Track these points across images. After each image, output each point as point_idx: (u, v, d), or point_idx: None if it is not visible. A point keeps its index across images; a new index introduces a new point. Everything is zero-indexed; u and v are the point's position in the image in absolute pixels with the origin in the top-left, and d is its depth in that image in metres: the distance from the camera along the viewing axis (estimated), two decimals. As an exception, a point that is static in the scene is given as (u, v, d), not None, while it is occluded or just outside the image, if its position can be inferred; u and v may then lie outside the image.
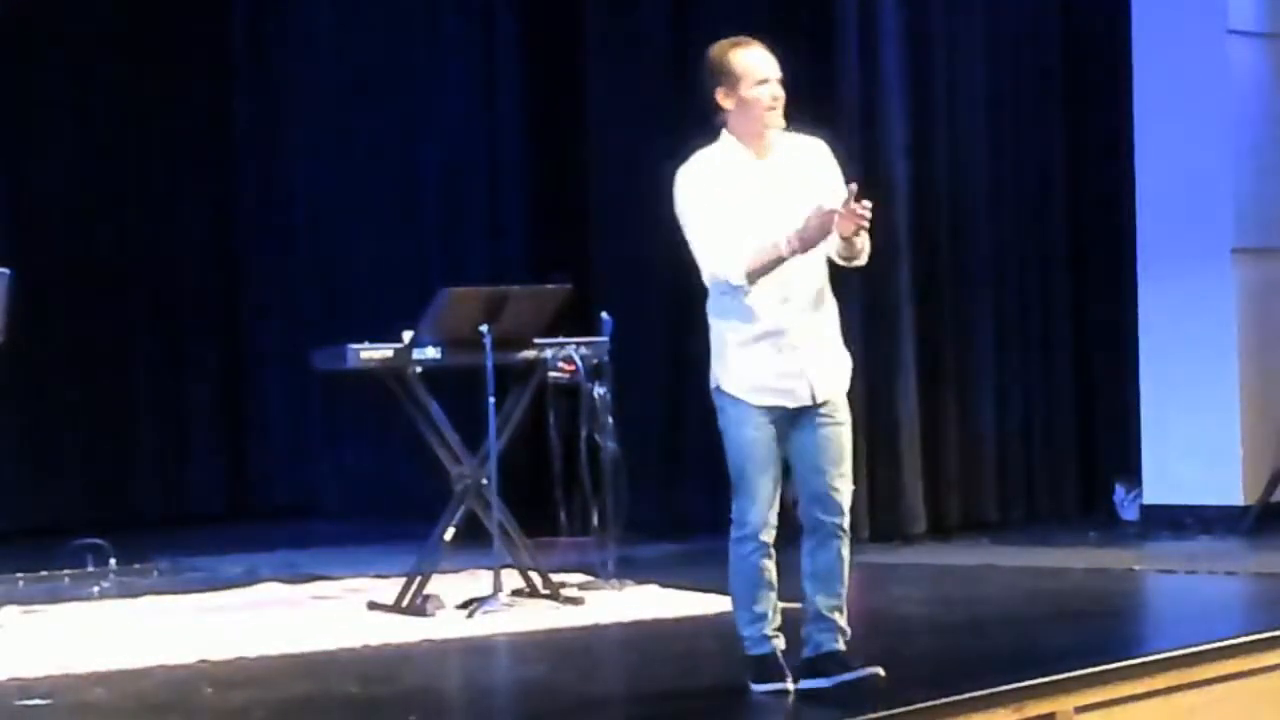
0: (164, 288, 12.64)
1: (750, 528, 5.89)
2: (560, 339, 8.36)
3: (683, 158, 5.98)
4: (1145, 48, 10.56)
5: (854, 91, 10.29)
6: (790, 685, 5.89)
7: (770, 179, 5.94)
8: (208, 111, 12.90)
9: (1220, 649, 6.61)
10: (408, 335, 8.06)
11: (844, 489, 5.97)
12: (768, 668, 5.93)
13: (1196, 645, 6.60)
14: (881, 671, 5.95)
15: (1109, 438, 11.17)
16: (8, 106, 11.79)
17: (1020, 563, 9.41)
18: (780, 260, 5.79)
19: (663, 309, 11.28)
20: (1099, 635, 7.25)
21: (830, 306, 6.02)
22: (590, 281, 10.62)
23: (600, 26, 11.64)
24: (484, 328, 7.94)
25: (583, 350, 8.38)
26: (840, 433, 5.95)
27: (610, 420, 8.54)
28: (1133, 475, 10.72)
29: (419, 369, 8.08)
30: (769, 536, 5.91)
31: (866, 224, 5.75)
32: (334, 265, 12.73)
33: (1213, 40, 10.42)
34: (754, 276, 5.81)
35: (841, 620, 6.00)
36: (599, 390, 8.50)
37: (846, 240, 5.81)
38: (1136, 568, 9.26)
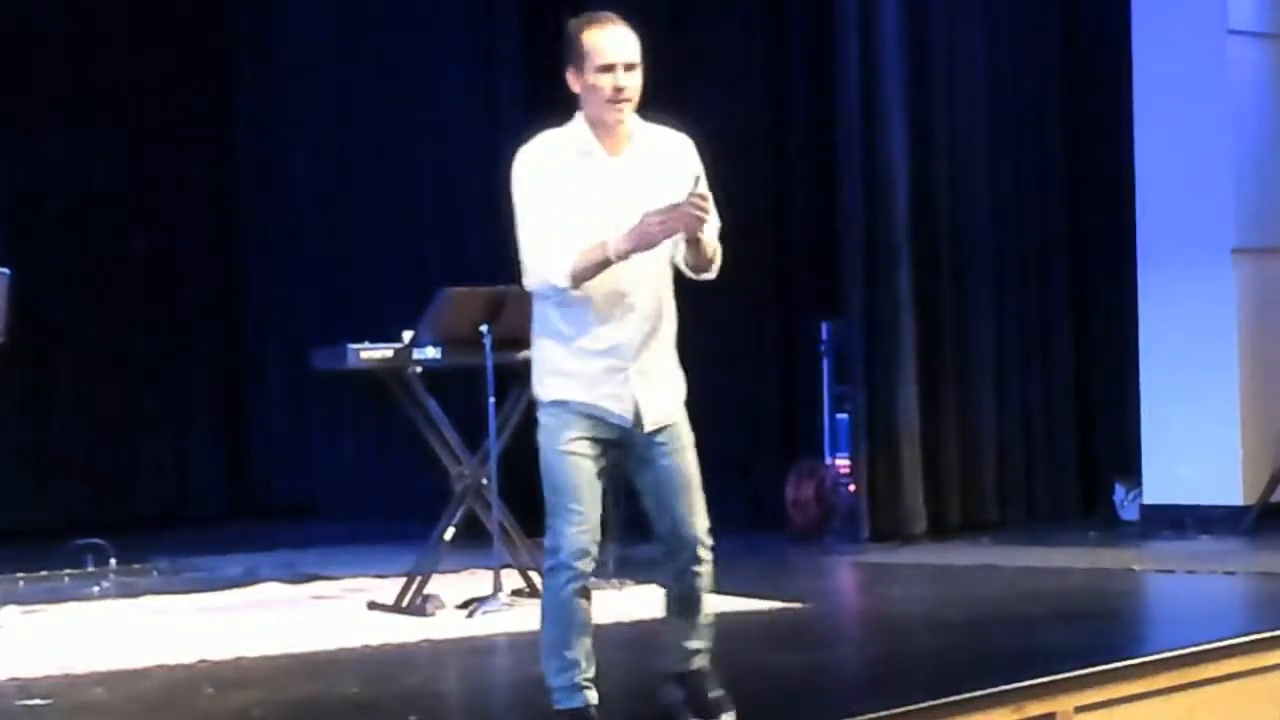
0: (164, 288, 12.65)
1: (563, 555, 5.28)
2: (560, 339, 8.33)
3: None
4: (1145, 48, 10.56)
5: (854, 91, 10.28)
6: None
7: (616, 178, 5.25)
8: (208, 111, 12.90)
9: (1220, 649, 6.61)
10: (408, 335, 8.06)
11: (697, 520, 5.39)
12: None
13: (1196, 645, 6.60)
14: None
15: (1109, 438, 11.16)
16: (7, 107, 11.79)
17: (1020, 563, 9.40)
18: (605, 264, 5.15)
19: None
20: (1099, 635, 7.24)
21: (670, 324, 5.37)
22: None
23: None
24: (484, 328, 7.93)
25: (583, 350, 8.36)
26: (684, 461, 5.37)
27: (610, 420, 8.51)
28: (1133, 475, 10.72)
29: (419, 369, 8.07)
30: (586, 566, 5.29)
31: (705, 216, 5.11)
32: (334, 265, 12.73)
33: (1213, 40, 10.42)
34: (579, 280, 5.16)
35: (698, 644, 5.54)
36: (599, 390, 8.47)
37: (692, 243, 5.21)
38: (1136, 568, 9.25)
